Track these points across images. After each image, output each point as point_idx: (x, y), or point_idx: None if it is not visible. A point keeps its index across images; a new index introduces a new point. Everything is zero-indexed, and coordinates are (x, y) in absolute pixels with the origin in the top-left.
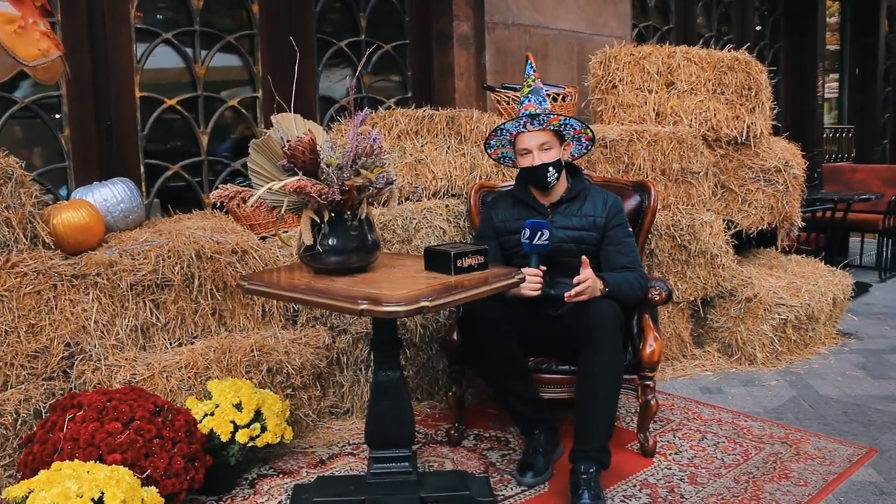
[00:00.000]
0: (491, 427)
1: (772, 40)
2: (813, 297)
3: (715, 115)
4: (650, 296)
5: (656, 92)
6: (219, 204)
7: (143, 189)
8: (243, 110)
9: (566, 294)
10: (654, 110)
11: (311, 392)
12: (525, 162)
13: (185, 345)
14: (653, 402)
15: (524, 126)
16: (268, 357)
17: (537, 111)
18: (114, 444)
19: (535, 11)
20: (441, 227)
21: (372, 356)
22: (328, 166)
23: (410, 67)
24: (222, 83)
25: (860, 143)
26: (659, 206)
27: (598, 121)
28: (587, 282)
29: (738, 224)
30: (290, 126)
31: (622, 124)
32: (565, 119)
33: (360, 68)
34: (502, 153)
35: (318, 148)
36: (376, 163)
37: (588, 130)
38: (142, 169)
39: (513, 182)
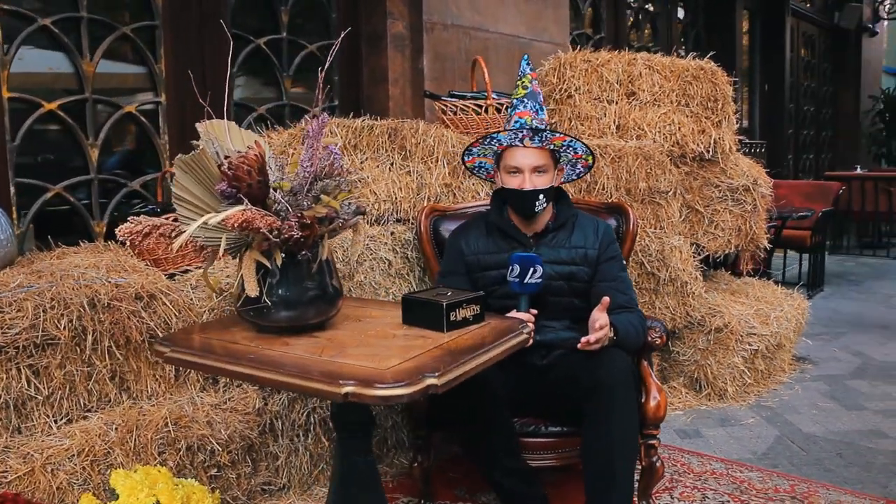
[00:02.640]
0: (459, 498)
1: (695, 51)
2: (781, 324)
3: (680, 128)
4: (650, 339)
5: (616, 102)
6: (123, 239)
7: (14, 216)
8: (142, 118)
9: (582, 340)
10: (614, 123)
11: (241, 469)
12: (512, 183)
13: (77, 422)
14: (658, 465)
15: (521, 140)
16: (186, 432)
17: (539, 125)
18: None
19: (475, 13)
20: (386, 259)
21: (332, 436)
22: (279, 191)
23: (338, 71)
24: (116, 85)
25: (770, 158)
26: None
27: None
28: (606, 328)
29: (704, 248)
30: (223, 137)
31: (581, 139)
32: (571, 140)
33: (327, 63)
34: (480, 162)
35: (266, 167)
36: (340, 186)
37: (590, 157)
38: (11, 190)
39: (468, 203)
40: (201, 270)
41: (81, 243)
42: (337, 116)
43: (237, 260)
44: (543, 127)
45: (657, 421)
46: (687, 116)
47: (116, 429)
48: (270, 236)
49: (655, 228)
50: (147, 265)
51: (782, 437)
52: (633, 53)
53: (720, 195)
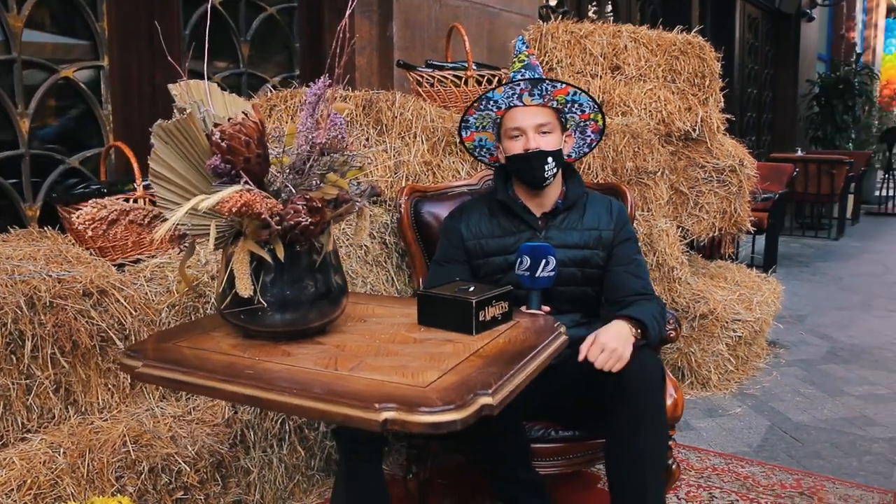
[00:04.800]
0: None
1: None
2: (764, 310)
3: (666, 105)
4: (666, 332)
5: (601, 77)
6: (84, 227)
7: None
8: (82, 84)
9: (582, 350)
10: (599, 98)
11: (210, 488)
12: (515, 147)
13: (14, 446)
14: (675, 468)
15: (519, 98)
16: (148, 451)
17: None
18: None
19: None
20: (364, 245)
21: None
22: (280, 168)
23: (298, 38)
24: (50, 45)
25: None
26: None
27: None
28: (609, 351)
29: (689, 231)
30: (206, 102)
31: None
32: (575, 92)
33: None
34: (480, 140)
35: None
36: (348, 162)
37: (600, 118)
38: None
39: (452, 183)
40: (157, 261)
41: (11, 230)
42: (297, 87)
43: (218, 252)
44: (542, 77)
45: (674, 421)
46: (673, 93)
47: (65, 453)
48: (273, 223)
49: (643, 211)
50: (93, 254)
51: (774, 427)
52: (618, 25)
53: (706, 176)
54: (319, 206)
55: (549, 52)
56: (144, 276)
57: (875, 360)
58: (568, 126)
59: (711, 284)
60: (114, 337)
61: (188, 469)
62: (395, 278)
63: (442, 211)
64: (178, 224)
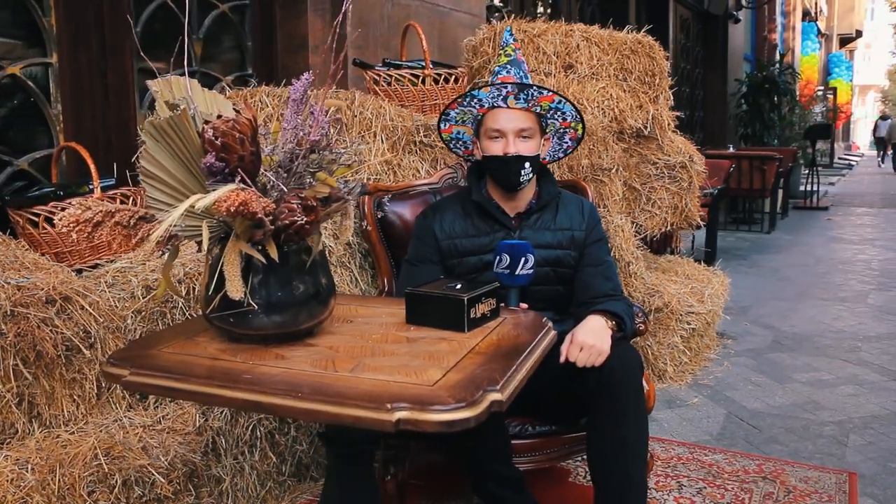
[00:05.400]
0: None
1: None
2: (715, 302)
3: (618, 103)
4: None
5: (554, 76)
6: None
7: None
8: (29, 82)
9: (562, 352)
10: None
11: (183, 499)
12: (493, 148)
13: None
14: (649, 458)
15: (504, 99)
16: (121, 463)
17: (527, 82)
18: None
19: None
20: (327, 245)
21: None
22: (272, 167)
23: (251, 36)
24: None
25: None
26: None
27: None
28: (588, 348)
29: (642, 226)
30: (189, 99)
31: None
32: (561, 101)
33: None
34: (458, 133)
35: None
36: (337, 159)
37: (579, 127)
38: None
39: (414, 182)
40: (117, 266)
41: None
42: (257, 87)
43: (203, 253)
44: (531, 83)
45: (648, 412)
46: (625, 91)
47: (33, 469)
48: (267, 222)
49: (599, 207)
50: (49, 259)
51: (731, 415)
52: (570, 24)
53: (657, 172)
54: (314, 204)
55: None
56: (106, 282)
57: (817, 348)
58: (547, 131)
59: (664, 279)
60: (80, 345)
61: (162, 480)
62: (358, 279)
63: (405, 210)
64: (175, 225)
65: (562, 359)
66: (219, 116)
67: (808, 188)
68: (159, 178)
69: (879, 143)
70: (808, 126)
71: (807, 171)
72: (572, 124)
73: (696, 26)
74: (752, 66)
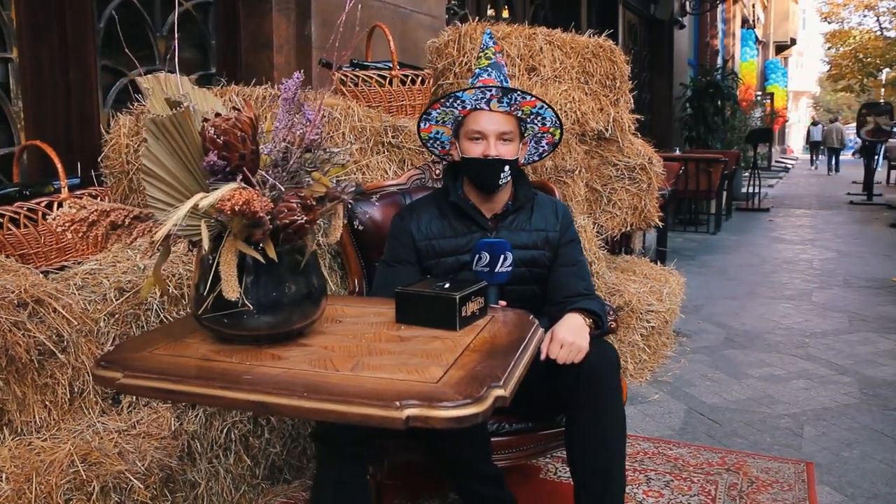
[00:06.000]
0: None
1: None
2: (673, 301)
3: (580, 106)
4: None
5: (517, 78)
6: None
7: None
8: None
9: (542, 350)
10: None
11: None
12: (473, 150)
13: None
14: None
15: (487, 102)
16: (98, 469)
17: (507, 86)
18: None
19: None
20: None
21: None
22: (267, 166)
23: (214, 35)
24: None
25: None
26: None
27: None
28: (568, 345)
29: (603, 227)
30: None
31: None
32: (542, 106)
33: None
34: (437, 133)
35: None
36: (331, 159)
37: (557, 133)
38: None
39: (384, 183)
40: (85, 268)
41: None
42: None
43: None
44: (512, 87)
45: None
46: (586, 94)
47: (7, 478)
48: (267, 222)
49: None
50: (16, 261)
51: (691, 410)
52: (533, 28)
53: (618, 174)
54: (313, 203)
55: (468, 53)
56: (75, 284)
57: (768, 344)
58: (525, 135)
59: (623, 278)
60: (53, 349)
61: (140, 486)
62: (328, 279)
63: (375, 211)
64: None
65: (542, 356)
66: (217, 115)
67: (750, 190)
68: (160, 176)
69: (813, 146)
70: (749, 130)
71: (748, 174)
72: (551, 129)
73: (644, 31)
74: (696, 70)
